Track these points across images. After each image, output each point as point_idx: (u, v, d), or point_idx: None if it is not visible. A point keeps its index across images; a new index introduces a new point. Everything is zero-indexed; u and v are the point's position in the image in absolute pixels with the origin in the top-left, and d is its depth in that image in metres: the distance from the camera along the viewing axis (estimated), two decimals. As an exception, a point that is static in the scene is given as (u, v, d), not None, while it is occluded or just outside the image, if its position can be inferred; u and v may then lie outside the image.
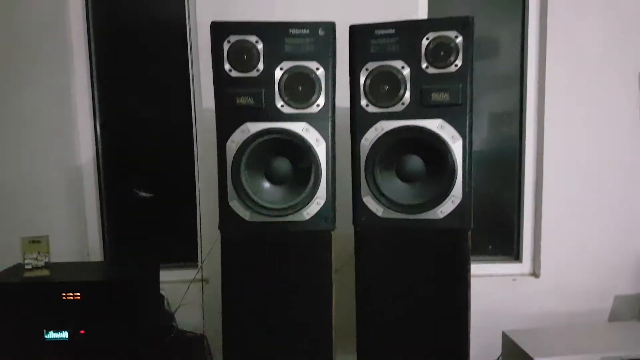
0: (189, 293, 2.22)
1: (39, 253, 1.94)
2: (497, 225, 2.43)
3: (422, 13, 2.21)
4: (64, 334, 1.74)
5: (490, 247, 2.41)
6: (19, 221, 2.21)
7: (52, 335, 1.73)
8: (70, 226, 2.27)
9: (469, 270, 1.55)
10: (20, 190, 2.24)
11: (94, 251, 2.34)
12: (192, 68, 2.22)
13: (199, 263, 2.29)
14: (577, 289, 2.27)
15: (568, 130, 2.22)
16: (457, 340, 1.58)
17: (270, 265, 1.59)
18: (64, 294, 1.73)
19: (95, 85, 2.32)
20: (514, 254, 2.40)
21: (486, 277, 2.30)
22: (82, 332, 1.74)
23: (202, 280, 2.26)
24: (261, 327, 1.61)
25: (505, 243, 2.42)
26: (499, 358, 2.02)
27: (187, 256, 2.36)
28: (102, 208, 2.38)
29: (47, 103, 2.21)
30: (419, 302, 1.59)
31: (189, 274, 2.26)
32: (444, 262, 1.57)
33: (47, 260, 1.96)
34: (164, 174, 2.42)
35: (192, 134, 2.26)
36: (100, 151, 2.36)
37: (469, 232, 1.54)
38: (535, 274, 2.32)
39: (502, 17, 2.34)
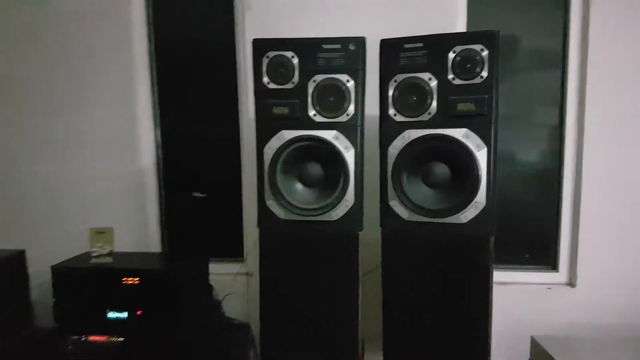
0: (236, 285, 2.38)
1: (104, 243, 2.18)
2: (536, 235, 2.41)
3: (460, 26, 2.24)
4: (124, 314, 1.94)
5: (527, 255, 2.40)
6: (89, 215, 2.45)
7: (113, 314, 1.95)
8: (132, 221, 2.49)
9: (490, 273, 1.60)
10: (91, 188, 2.48)
11: (153, 243, 2.55)
12: (239, 81, 2.40)
13: (244, 257, 2.46)
14: (614, 301, 2.21)
15: (608, 142, 2.18)
16: (478, 344, 1.62)
17: (302, 261, 1.72)
18: (124, 279, 1.94)
19: (156, 97, 2.53)
20: (551, 263, 2.36)
21: (522, 284, 2.30)
22: (139, 313, 1.93)
23: (246, 273, 2.43)
24: (292, 319, 1.74)
25: (543, 252, 2.39)
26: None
27: (234, 251, 2.53)
28: (161, 206, 2.59)
29: (115, 114, 2.44)
30: (442, 303, 1.66)
31: (235, 267, 2.43)
32: (467, 264, 1.62)
33: (111, 249, 2.19)
34: (216, 176, 2.59)
35: (239, 141, 2.45)
36: (160, 156, 2.57)
37: (492, 237, 1.58)
38: (571, 283, 2.28)
39: (546, 30, 2.33)
